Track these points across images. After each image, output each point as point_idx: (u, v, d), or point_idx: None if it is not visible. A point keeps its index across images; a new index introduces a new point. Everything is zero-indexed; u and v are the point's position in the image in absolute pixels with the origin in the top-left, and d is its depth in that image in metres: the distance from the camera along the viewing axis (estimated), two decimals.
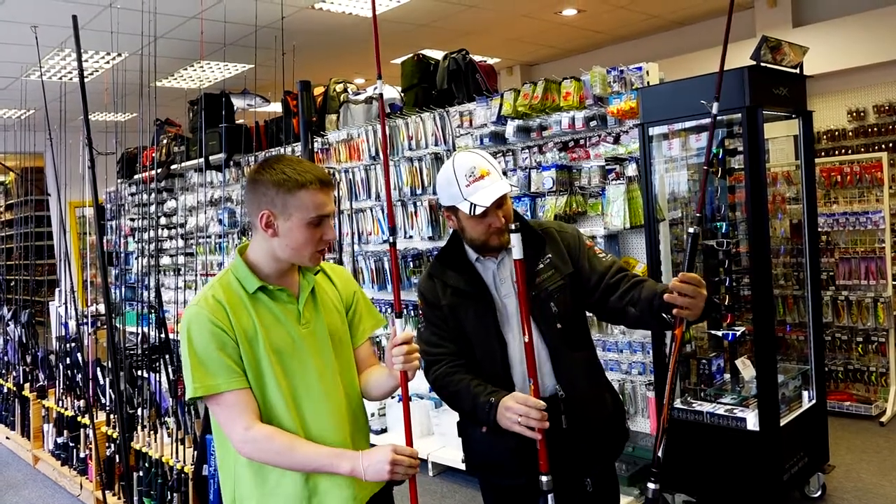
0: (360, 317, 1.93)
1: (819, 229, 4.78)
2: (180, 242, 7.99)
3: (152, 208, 7.37)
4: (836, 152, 6.99)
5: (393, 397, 4.85)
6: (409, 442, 1.71)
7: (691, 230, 1.80)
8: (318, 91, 6.37)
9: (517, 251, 1.89)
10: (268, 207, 1.68)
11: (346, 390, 1.82)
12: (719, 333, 3.84)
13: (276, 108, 7.18)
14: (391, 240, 1.90)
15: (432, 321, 2.12)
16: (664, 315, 1.83)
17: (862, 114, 6.98)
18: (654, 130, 3.82)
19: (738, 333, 3.81)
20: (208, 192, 7.48)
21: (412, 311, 5.15)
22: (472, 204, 1.97)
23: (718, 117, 3.66)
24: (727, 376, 4.03)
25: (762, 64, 3.51)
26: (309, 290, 1.81)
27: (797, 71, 3.80)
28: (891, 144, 6.74)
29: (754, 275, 3.57)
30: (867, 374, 5.46)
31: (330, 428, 1.74)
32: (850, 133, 7.06)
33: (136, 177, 8.55)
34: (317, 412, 1.74)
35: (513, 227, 1.90)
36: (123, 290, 7.80)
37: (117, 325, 4.64)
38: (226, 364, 1.66)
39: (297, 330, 1.75)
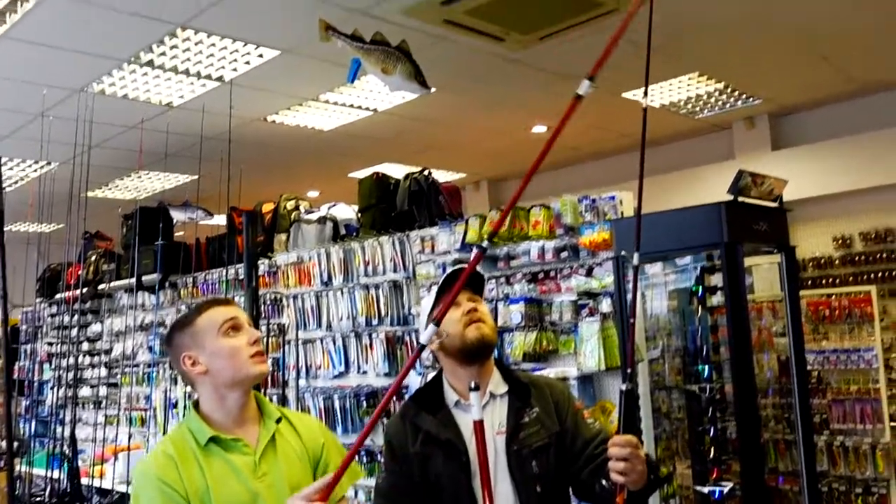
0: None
1: (809, 367, 4.89)
2: (103, 371, 7.81)
3: (74, 332, 7.23)
4: (823, 281, 7.23)
5: None
6: None
7: (623, 388, 1.82)
8: (267, 208, 6.47)
9: (476, 411, 1.86)
10: (185, 351, 1.86)
11: None
12: (705, 490, 3.82)
13: (221, 219, 7.24)
14: (485, 245, 1.83)
15: (394, 472, 2.13)
16: (604, 482, 1.83)
17: (848, 241, 7.28)
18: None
19: (726, 490, 3.79)
20: (139, 316, 7.39)
21: (366, 457, 5.05)
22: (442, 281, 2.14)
23: (699, 253, 3.84)
24: None
25: (740, 199, 3.68)
26: (268, 439, 1.87)
27: (777, 204, 3.99)
28: (880, 275, 7.01)
29: (740, 421, 3.60)
30: None
31: None
32: (837, 261, 7.34)
33: (58, 296, 8.42)
34: None
35: (472, 385, 1.91)
36: (34, 424, 7.54)
37: (22, 466, 4.46)
38: None
39: (254, 483, 1.79)
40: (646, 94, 1.93)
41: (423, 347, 1.66)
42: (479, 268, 4.54)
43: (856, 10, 5.12)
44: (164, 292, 7.14)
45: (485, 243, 1.81)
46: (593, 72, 1.58)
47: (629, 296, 3.89)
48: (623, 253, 3.76)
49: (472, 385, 1.91)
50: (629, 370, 1.90)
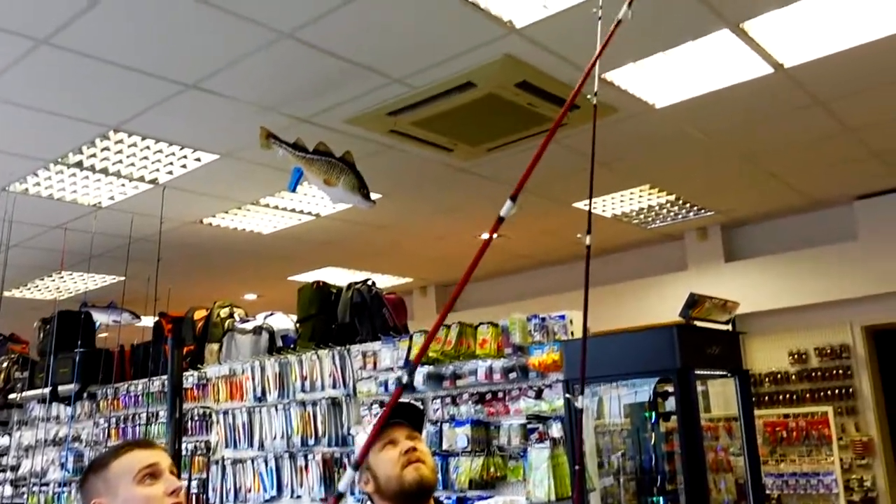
0: None
1: (769, 491, 4.89)
2: (8, 490, 7.48)
3: None
4: (780, 397, 7.32)
5: None
6: None
7: None
8: (199, 315, 6.38)
9: None
10: (95, 497, 1.74)
11: None
12: None
13: (150, 320, 7.08)
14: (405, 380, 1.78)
15: None
16: None
17: (804, 356, 7.41)
18: None
19: None
20: (52, 429, 7.13)
21: None
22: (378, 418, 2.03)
23: (652, 378, 3.87)
24: None
25: (692, 321, 3.75)
26: None
27: (729, 328, 4.07)
28: (836, 392, 7.12)
29: None
30: None
31: None
32: (794, 377, 7.44)
33: None
34: None
35: None
36: None
37: None
38: None
39: None
40: (589, 231, 1.96)
41: (340, 496, 1.61)
42: (423, 386, 4.53)
43: (804, 131, 5.37)
44: (82, 404, 6.91)
45: (405, 378, 1.78)
46: (515, 192, 1.62)
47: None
48: (568, 396, 3.77)
49: None
50: None
